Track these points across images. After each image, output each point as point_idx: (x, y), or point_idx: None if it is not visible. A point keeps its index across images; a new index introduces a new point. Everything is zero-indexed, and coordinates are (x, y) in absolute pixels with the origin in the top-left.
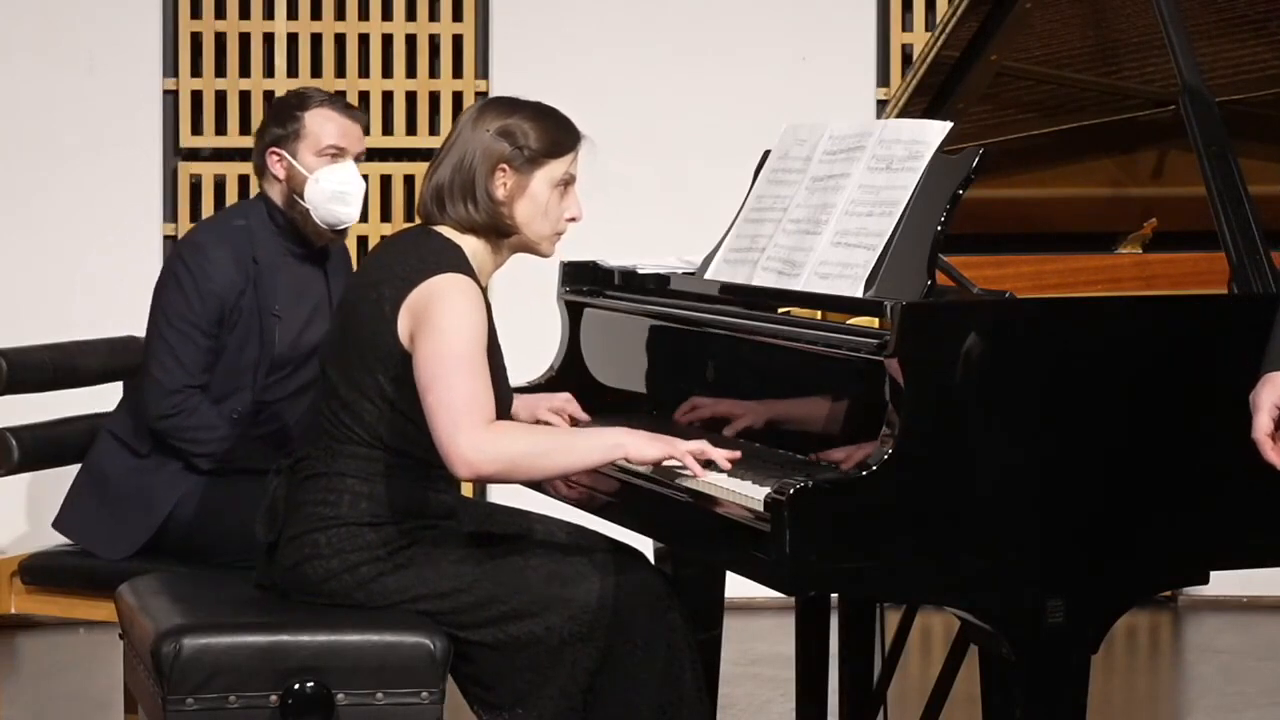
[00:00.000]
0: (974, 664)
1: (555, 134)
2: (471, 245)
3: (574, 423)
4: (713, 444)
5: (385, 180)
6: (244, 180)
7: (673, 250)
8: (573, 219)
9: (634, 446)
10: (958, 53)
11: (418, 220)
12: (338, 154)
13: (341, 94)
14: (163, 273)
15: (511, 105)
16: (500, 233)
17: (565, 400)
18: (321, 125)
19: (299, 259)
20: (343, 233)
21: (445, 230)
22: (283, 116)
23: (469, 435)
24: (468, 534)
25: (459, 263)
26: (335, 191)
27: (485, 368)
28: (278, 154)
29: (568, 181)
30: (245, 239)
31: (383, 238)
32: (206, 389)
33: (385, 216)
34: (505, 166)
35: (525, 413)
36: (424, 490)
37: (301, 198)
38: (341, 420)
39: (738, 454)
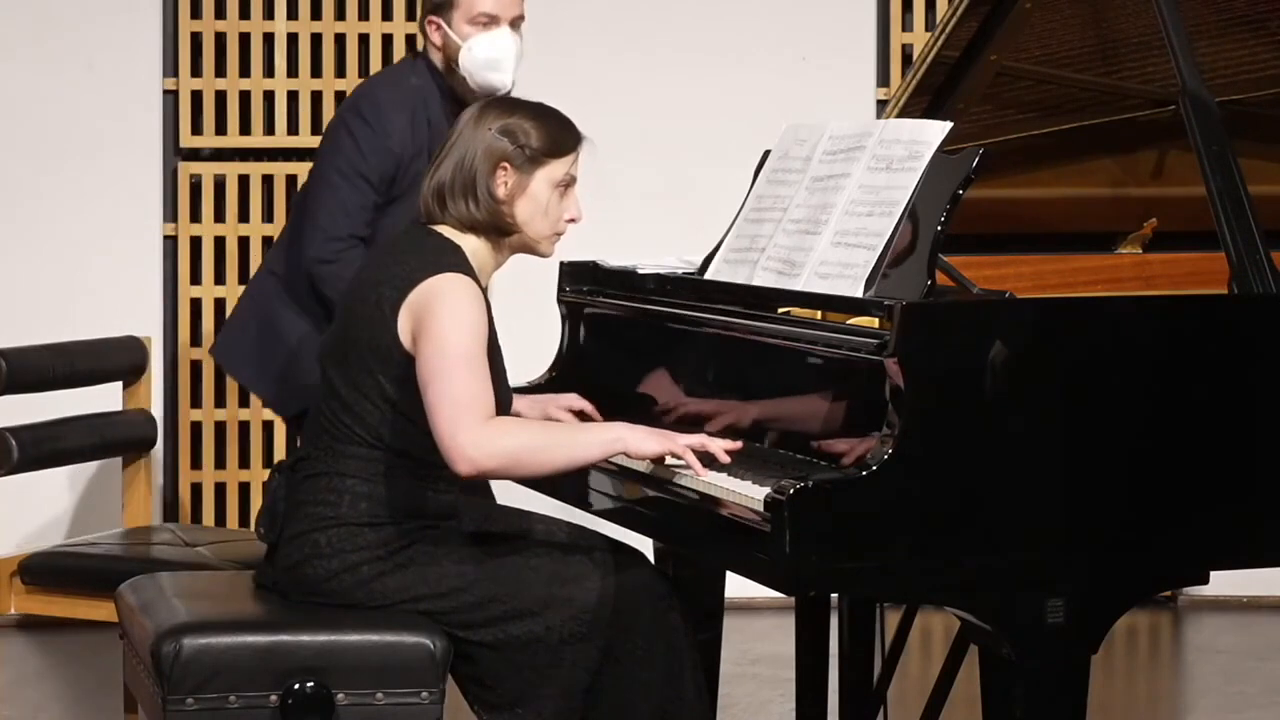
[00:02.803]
0: (974, 664)
1: (557, 134)
2: (472, 244)
3: (584, 419)
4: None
5: None
6: (244, 180)
7: (673, 250)
8: (572, 220)
9: (633, 441)
10: (958, 53)
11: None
12: (489, 22)
13: None
14: (334, 126)
15: (512, 105)
16: (501, 231)
17: (574, 399)
18: None
19: None
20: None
21: (445, 230)
22: None
23: (469, 432)
24: (468, 534)
25: (458, 262)
26: (488, 59)
27: (485, 366)
28: (435, 22)
29: (568, 183)
30: (420, 100)
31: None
32: (366, 243)
33: None
34: (506, 165)
35: (535, 413)
36: (424, 490)
37: (457, 65)
38: (342, 420)
39: (738, 444)
